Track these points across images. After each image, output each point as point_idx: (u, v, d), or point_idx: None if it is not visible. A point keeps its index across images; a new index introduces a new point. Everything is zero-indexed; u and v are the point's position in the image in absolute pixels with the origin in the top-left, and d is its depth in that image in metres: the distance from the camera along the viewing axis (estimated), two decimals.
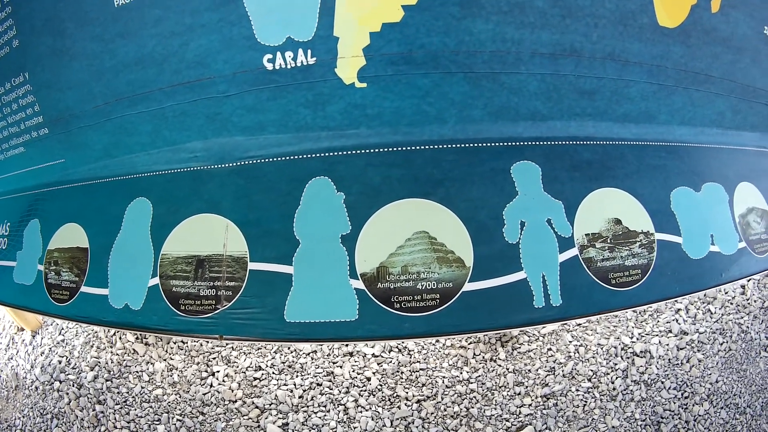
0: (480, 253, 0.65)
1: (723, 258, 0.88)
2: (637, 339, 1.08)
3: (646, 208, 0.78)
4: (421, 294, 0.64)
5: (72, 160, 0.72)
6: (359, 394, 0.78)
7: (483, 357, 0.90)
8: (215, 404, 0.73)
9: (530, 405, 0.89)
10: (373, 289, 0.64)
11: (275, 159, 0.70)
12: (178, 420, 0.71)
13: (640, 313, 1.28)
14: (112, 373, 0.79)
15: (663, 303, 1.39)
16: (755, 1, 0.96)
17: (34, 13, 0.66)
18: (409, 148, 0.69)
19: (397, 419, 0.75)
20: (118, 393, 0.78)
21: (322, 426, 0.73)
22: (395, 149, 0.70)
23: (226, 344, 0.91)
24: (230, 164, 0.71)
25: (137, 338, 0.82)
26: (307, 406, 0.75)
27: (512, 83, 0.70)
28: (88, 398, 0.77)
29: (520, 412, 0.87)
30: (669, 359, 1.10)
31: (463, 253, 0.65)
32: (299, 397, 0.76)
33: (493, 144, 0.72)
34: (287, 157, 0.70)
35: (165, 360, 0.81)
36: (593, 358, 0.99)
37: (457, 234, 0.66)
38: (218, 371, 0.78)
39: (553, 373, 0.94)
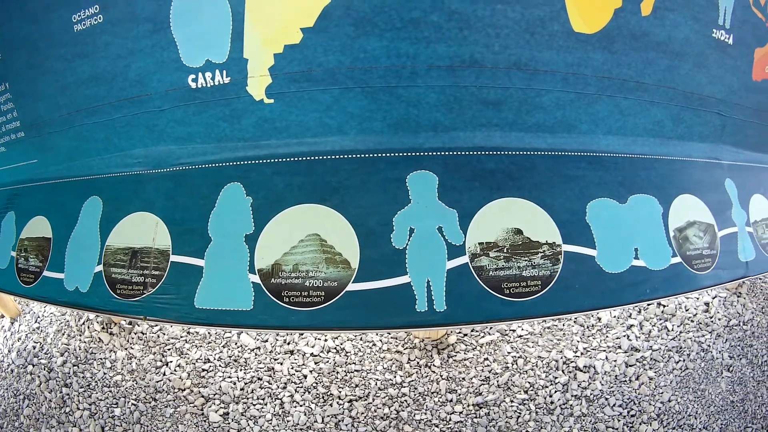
0: (366, 256, 0.69)
1: (649, 273, 0.82)
2: (582, 354, 1.05)
3: (554, 219, 0.75)
4: (308, 290, 0.69)
5: (43, 161, 0.86)
6: (295, 390, 0.82)
7: (418, 363, 0.91)
8: (166, 391, 0.80)
9: (461, 413, 0.90)
10: (267, 284, 0.70)
11: (199, 166, 0.79)
12: (132, 404, 0.80)
13: (587, 327, 1.23)
14: (79, 359, 0.91)
15: (614, 318, 1.32)
16: (699, 2, 0.86)
17: (13, 32, 0.80)
18: (312, 158, 0.74)
19: (328, 416, 0.79)
20: (83, 377, 0.89)
21: (259, 417, 0.78)
22: (299, 159, 0.75)
23: (181, 336, 1.01)
24: (164, 169, 0.81)
25: (103, 328, 0.94)
26: (247, 398, 0.80)
27: (410, 96, 0.72)
28: (56, 381, 0.89)
29: (450, 419, 0.88)
30: (615, 376, 1.05)
31: (350, 256, 0.69)
32: (240, 389, 0.81)
33: (391, 154, 0.74)
34: (209, 165, 0.78)
35: (126, 349, 0.91)
36: (532, 370, 0.98)
37: (346, 238, 0.70)
38: (171, 361, 0.85)
39: (488, 383, 0.93)
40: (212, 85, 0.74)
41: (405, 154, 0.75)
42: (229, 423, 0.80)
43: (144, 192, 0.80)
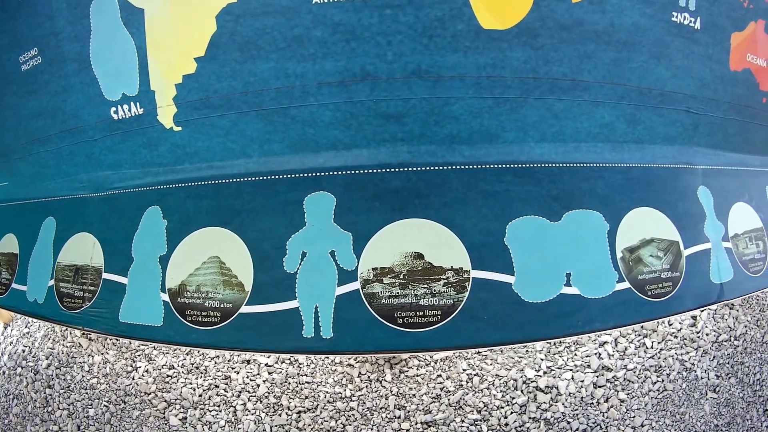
0: (259, 280, 0.68)
1: (584, 302, 0.70)
2: (544, 373, 0.96)
3: (463, 242, 0.67)
4: (207, 311, 0.70)
5: (13, 184, 0.98)
6: (248, 399, 0.85)
7: (369, 377, 0.89)
8: (134, 395, 0.87)
9: (408, 430, 0.88)
10: (174, 302, 0.73)
11: (128, 190, 0.84)
12: (104, 406, 0.88)
13: (554, 344, 1.12)
14: (61, 362, 1.02)
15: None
16: None
17: None
18: (218, 181, 0.75)
19: (276, 426, 0.81)
20: (63, 380, 1.00)
21: (213, 423, 0.82)
22: (208, 183, 0.76)
23: (151, 344, 1.09)
24: (102, 193, 0.87)
25: (83, 334, 1.04)
26: (204, 404, 0.85)
27: (304, 116, 0.69)
28: (41, 383, 1.00)
29: None
30: (581, 397, 0.95)
31: (244, 279, 0.69)
32: (199, 396, 0.86)
33: (290, 175, 0.71)
34: (135, 189, 0.83)
35: (102, 354, 0.99)
36: (487, 389, 0.91)
37: (242, 261, 0.69)
38: (140, 367, 0.92)
39: (438, 401, 0.88)
40: (130, 116, 0.78)
41: (304, 175, 0.72)
42: (186, 428, 0.85)
43: (86, 214, 0.88)
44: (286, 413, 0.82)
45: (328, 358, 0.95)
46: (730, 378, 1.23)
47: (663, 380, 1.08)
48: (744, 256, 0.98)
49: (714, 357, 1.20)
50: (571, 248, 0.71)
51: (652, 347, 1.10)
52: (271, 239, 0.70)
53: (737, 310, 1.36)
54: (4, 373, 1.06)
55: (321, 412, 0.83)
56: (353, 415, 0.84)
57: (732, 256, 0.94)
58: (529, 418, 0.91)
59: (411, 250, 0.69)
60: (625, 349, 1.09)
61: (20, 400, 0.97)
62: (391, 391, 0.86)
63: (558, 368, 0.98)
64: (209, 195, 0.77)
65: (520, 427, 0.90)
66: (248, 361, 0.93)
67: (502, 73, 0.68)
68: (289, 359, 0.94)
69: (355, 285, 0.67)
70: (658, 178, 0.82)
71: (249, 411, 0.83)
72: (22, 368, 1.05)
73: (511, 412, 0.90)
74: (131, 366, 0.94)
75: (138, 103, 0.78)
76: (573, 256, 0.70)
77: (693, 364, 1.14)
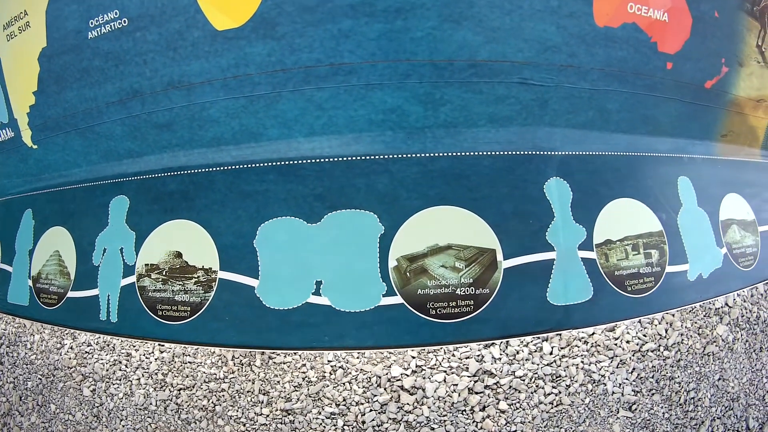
0: (78, 270, 0.89)
1: (334, 315, 0.67)
2: (413, 372, 0.96)
3: (216, 243, 0.75)
4: (50, 294, 0.95)
5: None
6: (142, 375, 1.05)
7: (241, 361, 1.02)
8: (60, 369, 1.10)
9: (267, 416, 0.99)
10: (34, 287, 0.98)
11: (15, 196, 1.15)
12: (39, 378, 1.17)
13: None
14: (10, 341, 1.47)
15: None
16: None
17: None
18: (64, 188, 1.00)
19: (160, 400, 0.97)
20: (11, 357, 1.41)
21: (114, 395, 1.02)
22: (58, 189, 1.02)
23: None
24: (2, 198, 1.25)
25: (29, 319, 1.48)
26: (110, 378, 1.05)
27: (104, 131, 0.86)
28: None
29: (256, 420, 1.03)
30: (452, 403, 0.93)
31: (71, 269, 0.92)
32: (106, 370, 1.07)
33: (104, 182, 0.91)
34: (19, 195, 1.14)
35: (40, 333, 1.40)
36: (349, 383, 0.95)
37: (70, 254, 0.92)
38: (66, 344, 1.27)
39: (299, 390, 0.96)
40: (7, 138, 1.11)
41: (112, 181, 0.91)
42: (94, 398, 1.16)
43: None
44: (169, 389, 1.02)
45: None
46: (653, 395, 1.03)
47: (560, 392, 0.96)
48: (619, 269, 0.74)
49: (633, 369, 1.03)
50: (327, 253, 0.71)
51: (551, 353, 0.98)
52: (88, 237, 0.92)
53: (672, 315, 1.09)
54: None
55: (197, 390, 1.01)
56: (223, 395, 0.99)
57: (597, 269, 0.72)
58: (389, 418, 0.91)
59: (173, 249, 0.80)
60: (517, 353, 0.99)
61: None
62: (258, 376, 0.95)
63: (430, 368, 0.95)
64: (57, 199, 1.04)
65: (378, 426, 0.91)
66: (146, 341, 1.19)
67: (247, 71, 0.73)
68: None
69: (133, 278, 0.83)
70: (476, 168, 0.70)
71: (141, 385, 1.07)
72: None
73: (370, 410, 0.91)
74: (60, 343, 1.28)
75: (9, 128, 1.10)
76: (327, 262, 0.70)
77: (603, 375, 0.98)
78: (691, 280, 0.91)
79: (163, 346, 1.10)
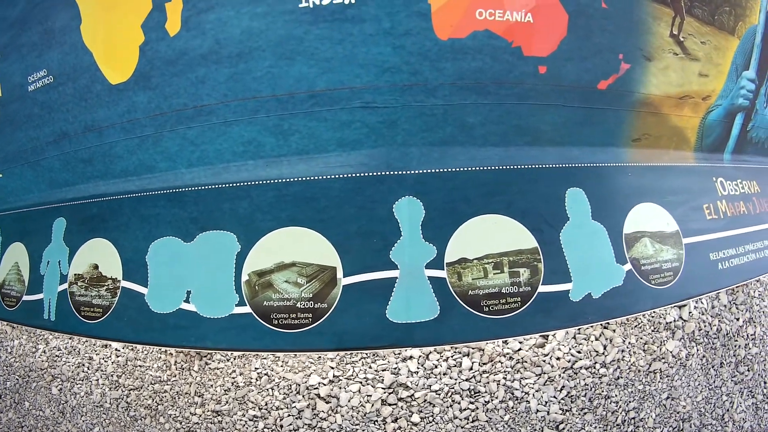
0: (31, 278, 1.20)
1: (199, 320, 0.85)
2: (330, 381, 1.06)
3: (122, 257, 0.96)
4: (11, 298, 1.28)
5: None
6: (100, 376, 1.24)
7: (182, 366, 1.21)
8: (34, 370, 1.36)
9: (200, 416, 1.25)
10: (1, 292, 1.34)
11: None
12: (16, 379, 1.49)
13: (351, 353, 1.28)
14: None
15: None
16: None
17: None
18: (24, 209, 1.31)
19: (113, 399, 1.19)
20: None
21: (77, 393, 1.25)
22: (18, 211, 1.33)
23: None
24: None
25: (7, 323, 1.85)
26: (74, 379, 1.28)
27: (46, 164, 1.18)
28: None
29: (190, 420, 1.29)
30: (365, 413, 1.03)
31: (26, 277, 1.22)
32: (72, 371, 1.30)
33: (49, 206, 1.19)
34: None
35: (18, 338, 1.67)
36: (272, 389, 1.08)
37: (26, 265, 1.23)
38: (40, 348, 1.58)
39: (228, 394, 1.11)
40: None
41: (55, 205, 1.19)
42: (61, 396, 1.35)
43: None
44: (122, 389, 1.28)
45: (157, 346, 1.38)
46: (584, 414, 1.05)
47: (477, 408, 1.02)
48: (475, 289, 0.76)
49: (563, 387, 1.04)
50: (197, 267, 0.88)
51: (471, 368, 1.04)
52: (38, 251, 1.23)
53: (613, 331, 1.08)
54: None
55: (143, 391, 1.28)
56: (165, 396, 1.24)
57: (447, 288, 0.77)
58: (305, 423, 1.04)
59: (93, 262, 1.05)
60: (435, 366, 1.07)
61: None
62: (195, 380, 1.11)
63: (346, 378, 1.04)
64: (18, 219, 1.38)
65: (294, 430, 1.04)
66: (106, 345, 1.47)
67: (136, 116, 0.93)
68: (131, 346, 1.44)
69: (66, 285, 1.10)
70: (326, 191, 0.81)
71: (99, 385, 1.34)
72: None
73: (288, 415, 1.04)
74: (35, 348, 1.51)
75: None
76: (196, 274, 0.88)
77: (526, 392, 1.02)
78: (575, 300, 0.92)
79: (119, 351, 1.31)
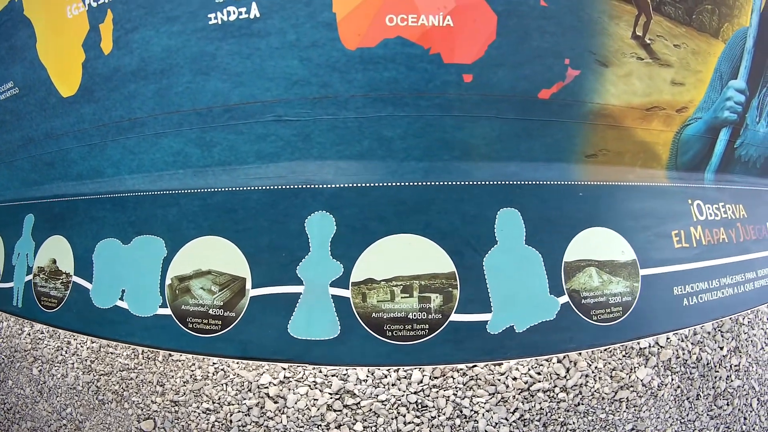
0: (5, 268, 1.44)
1: (130, 317, 0.95)
2: (281, 382, 1.10)
3: (74, 254, 1.09)
4: None
5: None
6: (76, 360, 1.51)
7: (148, 355, 1.33)
8: (18, 351, 1.70)
9: (159, 404, 1.43)
10: None
11: None
12: (2, 359, 1.79)
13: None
14: None
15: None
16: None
17: None
18: (2, 204, 1.49)
19: (84, 382, 1.41)
20: None
21: (54, 375, 1.49)
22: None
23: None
24: None
25: None
26: (53, 361, 1.53)
27: (18, 165, 1.34)
28: None
29: (149, 407, 1.46)
30: (310, 416, 1.09)
31: (1, 267, 1.41)
32: (51, 354, 1.58)
33: (21, 202, 1.37)
34: None
35: (7, 321, 1.83)
36: (226, 385, 1.17)
37: (1, 256, 1.42)
38: (25, 330, 1.77)
39: (186, 386, 1.22)
40: None
41: (26, 202, 1.37)
42: (40, 377, 1.63)
43: None
44: (93, 374, 1.49)
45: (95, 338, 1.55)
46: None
47: (422, 423, 1.03)
48: (379, 312, 0.77)
49: (516, 409, 1.03)
50: (131, 268, 1.00)
51: (421, 381, 1.04)
52: (11, 243, 1.44)
53: (579, 354, 1.03)
54: None
55: (112, 377, 1.46)
56: (131, 383, 1.42)
57: (350, 308, 0.79)
58: (252, 421, 1.12)
59: (52, 256, 1.21)
60: (384, 376, 1.06)
61: None
62: (159, 370, 1.24)
63: (296, 380, 1.07)
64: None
65: (242, 426, 1.13)
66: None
67: (84, 126, 1.05)
68: (108, 343, 1.62)
69: (31, 276, 1.27)
70: (245, 203, 0.86)
71: (74, 369, 1.55)
72: None
73: (238, 411, 1.12)
74: (21, 330, 1.79)
75: None
76: (130, 275, 0.99)
77: (476, 411, 1.01)
78: (493, 333, 0.85)
79: (94, 338, 1.46)
